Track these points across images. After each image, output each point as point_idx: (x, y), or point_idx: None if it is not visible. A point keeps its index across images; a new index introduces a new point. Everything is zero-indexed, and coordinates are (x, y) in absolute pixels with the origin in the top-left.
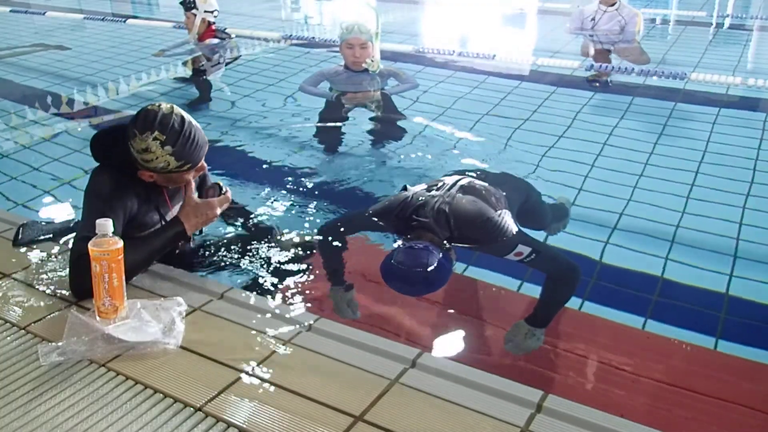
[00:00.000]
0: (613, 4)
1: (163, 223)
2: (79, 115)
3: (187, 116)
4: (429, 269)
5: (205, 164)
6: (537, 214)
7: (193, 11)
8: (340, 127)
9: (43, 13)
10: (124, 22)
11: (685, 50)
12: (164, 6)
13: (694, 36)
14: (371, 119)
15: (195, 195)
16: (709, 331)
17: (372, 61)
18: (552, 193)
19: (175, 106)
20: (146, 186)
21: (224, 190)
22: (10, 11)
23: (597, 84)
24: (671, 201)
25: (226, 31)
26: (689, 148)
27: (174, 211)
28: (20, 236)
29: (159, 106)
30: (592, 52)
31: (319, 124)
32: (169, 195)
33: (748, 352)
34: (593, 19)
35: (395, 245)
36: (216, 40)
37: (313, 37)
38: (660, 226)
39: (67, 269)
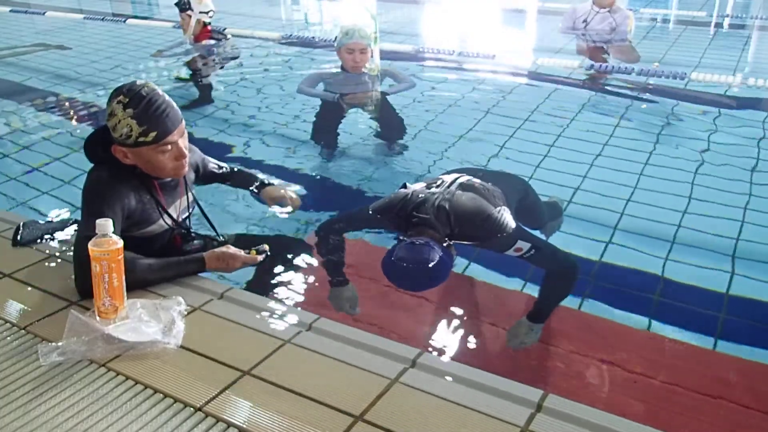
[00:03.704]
0: (605, 7)
1: (164, 218)
2: (79, 115)
3: (161, 91)
4: (430, 265)
5: (187, 152)
6: (534, 213)
7: (188, 12)
8: (338, 127)
9: (43, 13)
10: (124, 22)
11: (685, 50)
12: (164, 6)
13: (694, 36)
14: (369, 119)
15: (233, 249)
16: (709, 331)
17: (372, 65)
18: (551, 192)
19: (152, 83)
20: (140, 183)
21: (260, 258)
22: (10, 11)
23: (598, 82)
24: (671, 201)
25: (224, 31)
26: (689, 148)
27: (170, 210)
28: (19, 236)
29: (137, 81)
30: (586, 53)
31: (317, 125)
32: (163, 193)
33: (748, 351)
34: (585, 20)
35: (396, 242)
36: (212, 41)
37: (313, 38)
38: (660, 226)
39: (68, 269)
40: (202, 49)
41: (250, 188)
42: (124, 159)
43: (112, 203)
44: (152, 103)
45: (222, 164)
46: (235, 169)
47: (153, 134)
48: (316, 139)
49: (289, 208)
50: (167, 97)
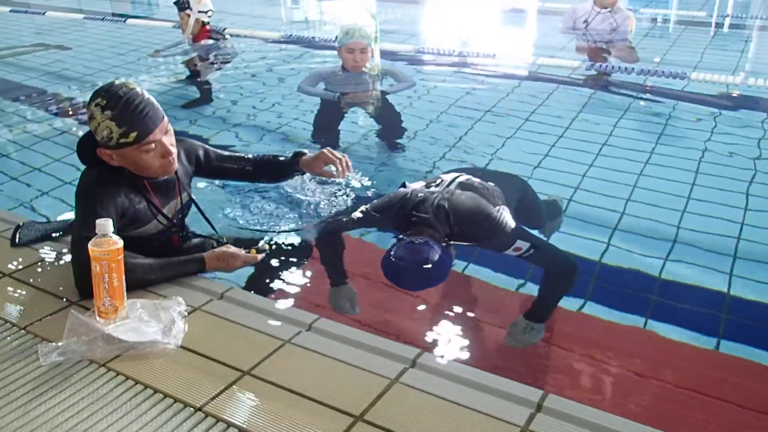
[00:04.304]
0: (606, 7)
1: (158, 218)
2: (79, 115)
3: (141, 90)
4: (429, 264)
5: (173, 149)
6: (533, 212)
7: (187, 11)
8: (338, 126)
9: (43, 13)
10: (124, 22)
11: (685, 50)
12: (164, 6)
13: (694, 36)
14: (369, 118)
15: (233, 248)
16: (710, 331)
17: (373, 65)
18: (551, 192)
19: (132, 82)
20: (131, 183)
21: (260, 258)
22: (10, 11)
23: (598, 82)
24: (671, 201)
25: (223, 31)
26: (689, 148)
27: (165, 210)
28: (18, 237)
29: (116, 81)
30: (585, 53)
31: (317, 124)
32: (156, 193)
33: (748, 352)
34: (586, 20)
35: (395, 241)
36: (211, 41)
37: (313, 37)
38: (660, 226)
39: (68, 269)
40: (200, 49)
41: (281, 169)
42: (110, 161)
43: (106, 204)
44: (130, 103)
45: (238, 155)
46: (257, 158)
47: (134, 134)
48: (316, 138)
49: (342, 170)
50: (147, 96)
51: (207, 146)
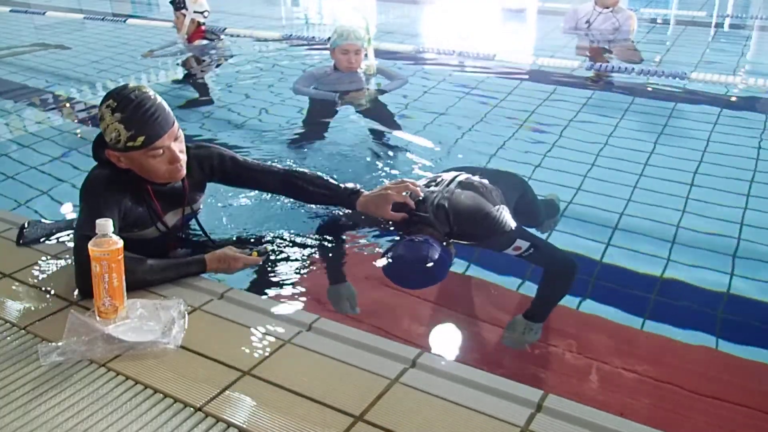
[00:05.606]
0: (608, 7)
1: (158, 224)
2: (79, 115)
3: (153, 94)
4: (429, 262)
5: (182, 156)
6: (531, 211)
7: (183, 11)
8: (330, 126)
9: (43, 13)
10: (124, 22)
11: (685, 50)
12: (164, 6)
13: (694, 36)
14: (364, 118)
15: (236, 250)
16: (710, 331)
17: (368, 65)
18: (550, 191)
19: (145, 86)
20: (135, 186)
21: (260, 259)
22: (10, 11)
23: (598, 82)
24: (671, 201)
25: (222, 32)
26: (689, 148)
27: (166, 218)
28: (24, 236)
29: (129, 84)
30: (587, 53)
31: (313, 124)
32: (160, 198)
33: (748, 351)
34: (588, 21)
35: (395, 240)
36: (205, 41)
37: (313, 37)
38: (660, 226)
39: (69, 269)
40: (195, 50)
41: (323, 198)
42: (118, 163)
43: (110, 203)
44: (140, 107)
45: (265, 166)
46: (289, 173)
47: (141, 139)
48: (313, 139)
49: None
50: (159, 100)
51: (227, 153)
